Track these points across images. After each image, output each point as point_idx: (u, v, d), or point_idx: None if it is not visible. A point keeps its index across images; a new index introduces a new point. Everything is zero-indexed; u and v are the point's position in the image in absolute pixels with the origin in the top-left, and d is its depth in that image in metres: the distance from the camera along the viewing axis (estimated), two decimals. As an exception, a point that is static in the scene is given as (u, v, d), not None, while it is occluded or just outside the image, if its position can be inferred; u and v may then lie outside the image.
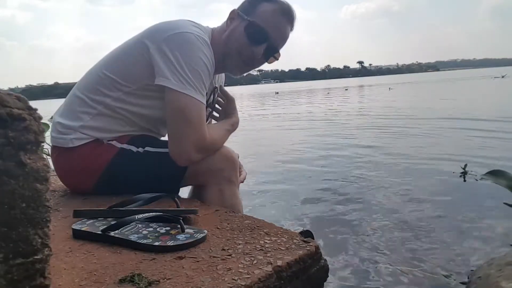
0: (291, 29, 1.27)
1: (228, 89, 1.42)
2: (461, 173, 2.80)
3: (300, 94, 24.16)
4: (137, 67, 1.14)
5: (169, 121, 1.12)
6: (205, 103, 1.13)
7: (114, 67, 1.18)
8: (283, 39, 1.26)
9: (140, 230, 0.84)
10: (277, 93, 28.72)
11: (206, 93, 1.20)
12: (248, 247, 0.77)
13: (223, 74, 1.50)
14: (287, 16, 1.22)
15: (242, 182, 1.34)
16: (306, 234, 0.82)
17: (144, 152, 1.16)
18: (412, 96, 14.61)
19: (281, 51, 1.29)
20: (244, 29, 1.19)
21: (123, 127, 1.20)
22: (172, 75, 1.07)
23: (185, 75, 1.07)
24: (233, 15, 1.24)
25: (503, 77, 27.70)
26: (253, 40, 1.20)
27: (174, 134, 1.12)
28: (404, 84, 28.00)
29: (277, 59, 1.29)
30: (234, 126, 1.31)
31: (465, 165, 2.82)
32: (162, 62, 1.08)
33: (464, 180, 2.69)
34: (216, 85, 1.39)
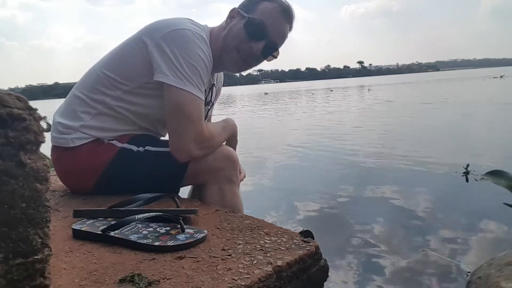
0: (290, 29, 1.27)
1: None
2: (463, 173, 2.80)
3: (289, 95, 24.32)
4: (135, 65, 1.15)
5: (168, 117, 1.13)
6: (203, 98, 1.13)
7: (113, 66, 1.18)
8: (282, 37, 1.26)
9: (140, 230, 0.84)
10: (266, 93, 28.94)
11: (205, 90, 1.20)
12: (248, 247, 0.77)
13: (222, 74, 1.50)
14: (286, 15, 1.23)
15: (241, 181, 1.34)
16: (306, 234, 0.82)
17: (145, 151, 1.16)
18: (374, 97, 14.96)
19: (281, 51, 1.30)
20: (243, 26, 1.20)
21: (123, 126, 1.20)
22: (170, 72, 1.07)
23: (183, 71, 1.07)
24: (233, 13, 1.24)
25: (501, 77, 27.64)
26: (252, 36, 1.20)
27: (174, 130, 1.12)
28: (392, 85, 28.64)
29: (276, 57, 1.29)
30: (228, 123, 1.32)
31: (467, 165, 2.81)
32: (160, 58, 1.09)
33: (467, 181, 2.69)
34: (215, 83, 1.39)
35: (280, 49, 1.28)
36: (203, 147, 1.13)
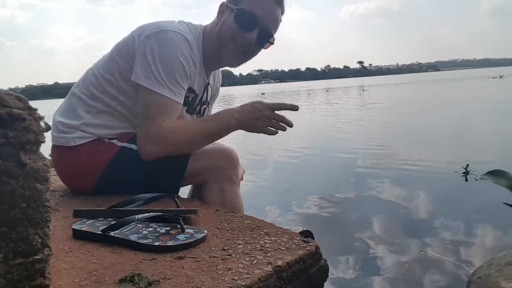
0: (282, 12, 1.24)
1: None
2: (463, 173, 2.80)
3: (286, 95, 24.34)
4: (126, 64, 1.16)
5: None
6: (175, 99, 1.12)
7: (109, 65, 1.20)
8: (275, 22, 1.23)
9: (140, 230, 0.84)
10: (263, 94, 28.94)
11: (194, 90, 1.22)
12: (248, 247, 0.77)
13: (220, 74, 1.49)
14: None
15: (241, 179, 1.34)
16: (306, 234, 0.82)
17: (145, 151, 1.16)
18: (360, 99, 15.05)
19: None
20: (234, 18, 1.18)
21: (124, 123, 1.21)
22: (143, 72, 1.10)
23: (156, 72, 1.09)
24: (223, 8, 1.24)
25: (501, 77, 27.59)
26: (244, 26, 1.18)
27: (138, 129, 1.15)
28: (391, 85, 28.77)
29: (272, 43, 1.27)
30: (220, 115, 1.17)
31: (467, 165, 2.81)
32: (138, 59, 1.11)
33: (466, 180, 2.69)
34: (209, 82, 1.38)
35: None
36: (159, 145, 1.11)
